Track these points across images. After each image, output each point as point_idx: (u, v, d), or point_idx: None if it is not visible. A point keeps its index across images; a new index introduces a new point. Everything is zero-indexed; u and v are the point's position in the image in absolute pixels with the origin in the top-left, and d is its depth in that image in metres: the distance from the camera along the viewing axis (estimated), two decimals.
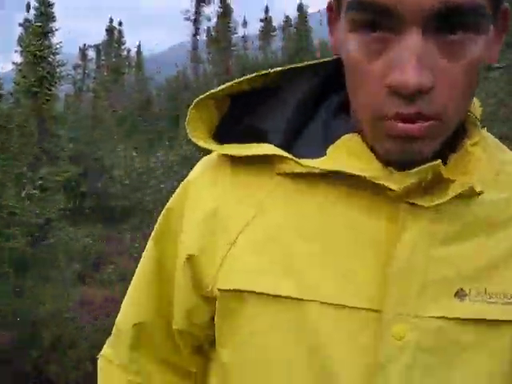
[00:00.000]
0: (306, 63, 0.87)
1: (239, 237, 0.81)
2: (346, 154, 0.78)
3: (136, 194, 9.13)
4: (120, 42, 53.33)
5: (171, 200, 0.94)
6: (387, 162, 0.76)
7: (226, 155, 0.86)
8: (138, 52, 60.14)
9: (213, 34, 41.88)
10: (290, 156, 0.79)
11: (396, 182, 0.74)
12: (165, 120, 38.16)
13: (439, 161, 0.73)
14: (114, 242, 17.47)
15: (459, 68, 0.69)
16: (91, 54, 56.53)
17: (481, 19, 0.67)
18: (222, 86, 0.85)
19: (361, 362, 0.76)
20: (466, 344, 0.77)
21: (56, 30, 26.46)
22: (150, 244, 0.97)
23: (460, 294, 0.77)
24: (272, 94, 0.87)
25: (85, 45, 57.02)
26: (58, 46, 26.41)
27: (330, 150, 0.79)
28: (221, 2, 40.85)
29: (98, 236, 18.38)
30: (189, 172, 0.94)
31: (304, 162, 0.78)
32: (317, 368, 0.76)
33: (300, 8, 52.12)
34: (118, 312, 1.05)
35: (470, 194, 0.77)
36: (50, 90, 24.98)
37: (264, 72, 0.85)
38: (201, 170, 0.92)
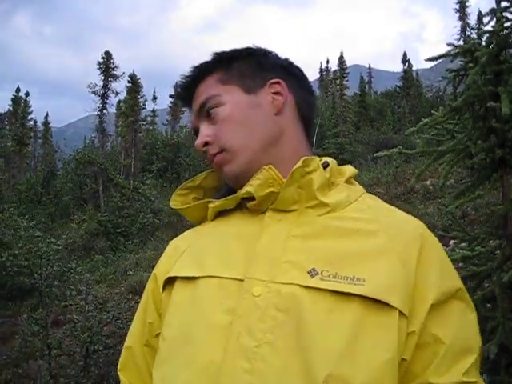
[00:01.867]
0: None
1: (182, 254, 1.25)
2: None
3: (32, 275, 8.79)
4: (26, 112, 52.29)
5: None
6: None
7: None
8: (46, 123, 59.16)
9: (122, 107, 42.05)
10: (209, 200, 1.30)
11: (249, 185, 1.19)
12: (69, 194, 37.27)
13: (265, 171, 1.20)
14: (7, 324, 16.50)
15: (216, 127, 1.27)
16: None
17: (216, 101, 1.27)
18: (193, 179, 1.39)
19: (226, 319, 1.07)
20: (316, 307, 1.04)
21: None
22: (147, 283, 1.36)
23: (312, 273, 1.07)
24: None
25: None
26: None
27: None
28: (130, 78, 41.34)
29: None
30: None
31: (213, 200, 1.29)
32: (202, 327, 1.09)
33: None
34: None
35: (319, 206, 1.18)
36: None
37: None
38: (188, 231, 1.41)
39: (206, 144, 1.25)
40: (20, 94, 53.39)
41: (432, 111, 4.30)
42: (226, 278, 1.12)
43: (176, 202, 1.35)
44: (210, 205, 1.27)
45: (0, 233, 9.86)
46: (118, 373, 1.32)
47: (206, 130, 1.27)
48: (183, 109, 58.10)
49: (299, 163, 1.17)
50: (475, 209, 13.94)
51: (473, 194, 4.03)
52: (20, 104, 52.44)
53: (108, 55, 39.48)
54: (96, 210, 31.47)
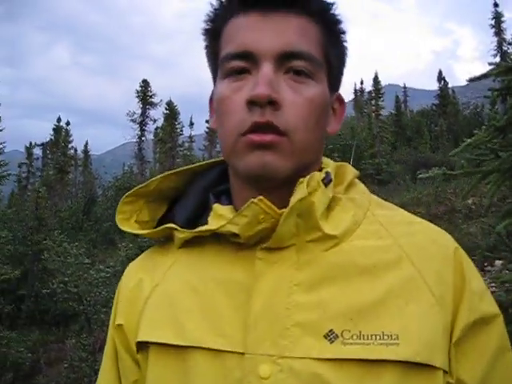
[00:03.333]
0: (207, 162, 1.13)
1: (147, 301, 1.00)
2: (215, 218, 0.97)
3: (81, 302, 8.96)
4: (67, 140, 53.48)
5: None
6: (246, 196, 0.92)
7: (157, 242, 1.11)
8: (85, 151, 60.31)
9: (159, 134, 42.68)
10: (173, 226, 1.01)
11: (233, 224, 0.91)
12: (110, 220, 37.76)
13: (261, 198, 0.89)
14: (53, 349, 16.76)
15: (302, 100, 0.91)
16: (38, 152, 56.33)
17: (313, 66, 0.93)
18: (145, 183, 1.09)
19: None
20: None
21: (0, 130, 26.41)
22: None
23: (330, 336, 0.84)
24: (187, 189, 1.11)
25: (31, 143, 56.83)
26: (0, 146, 26.31)
27: (209, 219, 0.98)
28: (167, 105, 42.01)
29: (34, 342, 17.63)
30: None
31: (182, 229, 1.00)
32: None
33: None
34: None
35: (324, 239, 0.91)
36: None
37: (178, 170, 1.10)
38: (139, 257, 1.14)
39: (271, 102, 0.87)
40: (61, 123, 54.71)
41: (475, 131, 4.29)
42: (220, 350, 0.88)
43: (123, 214, 1.07)
44: (178, 234, 1.00)
45: (50, 260, 10.07)
46: None
47: (278, 85, 0.89)
48: None
49: (303, 190, 0.89)
50: None
51: None
52: (61, 133, 53.65)
53: (146, 83, 40.29)
54: (136, 235, 31.71)
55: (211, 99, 1.06)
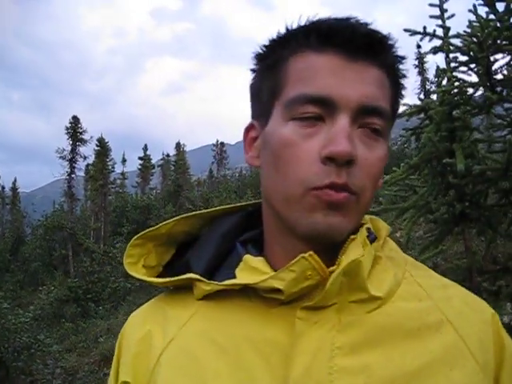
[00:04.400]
0: (227, 207, 1.03)
1: (160, 358, 0.87)
2: (246, 271, 0.87)
3: (0, 349, 8.52)
4: None
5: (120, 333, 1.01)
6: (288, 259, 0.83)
7: (165, 290, 0.99)
8: (14, 188, 58.61)
9: (90, 171, 42.02)
10: (197, 277, 0.89)
11: (278, 279, 0.81)
12: (38, 260, 36.63)
13: (311, 253, 0.81)
14: None
15: (374, 160, 0.83)
16: None
17: (385, 124, 0.85)
18: (159, 225, 0.99)
19: None
20: None
21: None
22: (109, 377, 1.00)
23: None
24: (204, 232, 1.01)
25: None
26: None
27: (236, 271, 0.88)
28: (98, 142, 41.50)
29: None
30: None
31: (208, 281, 0.88)
32: None
33: (178, 146, 53.95)
34: None
35: (369, 300, 0.84)
36: None
37: (195, 213, 1.01)
38: (143, 305, 1.01)
39: (350, 161, 0.80)
40: None
41: (393, 168, 4.39)
42: None
43: (131, 258, 1.00)
44: (203, 286, 0.90)
45: None
46: None
47: (353, 141, 0.81)
48: (152, 171, 58.49)
49: (358, 249, 0.84)
50: (445, 259, 14.07)
51: (436, 249, 4.09)
52: None
53: (76, 120, 39.68)
54: (66, 275, 30.93)
55: (247, 130, 0.97)
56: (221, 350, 0.85)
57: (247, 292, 0.87)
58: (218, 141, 65.55)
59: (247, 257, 0.90)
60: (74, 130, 38.72)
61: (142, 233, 0.99)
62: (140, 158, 57.13)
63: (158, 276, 0.99)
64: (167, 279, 0.94)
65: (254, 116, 0.95)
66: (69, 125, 39.26)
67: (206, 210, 1.01)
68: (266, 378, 0.80)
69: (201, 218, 1.01)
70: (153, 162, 59.78)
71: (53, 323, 23.66)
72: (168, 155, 61.43)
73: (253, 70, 0.94)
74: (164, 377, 0.86)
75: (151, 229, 0.99)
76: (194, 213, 1.01)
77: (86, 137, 39.40)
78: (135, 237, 0.99)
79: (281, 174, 0.85)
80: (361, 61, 0.83)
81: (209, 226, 1.02)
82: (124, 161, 56.26)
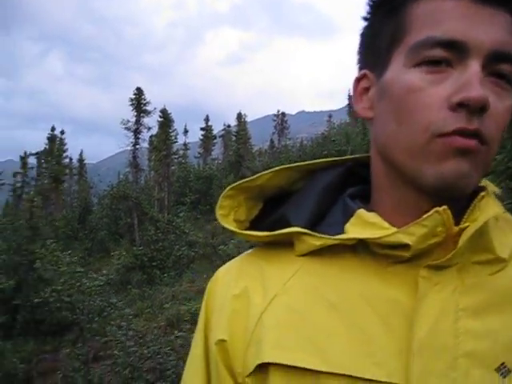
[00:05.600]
0: (326, 160, 0.98)
1: (263, 316, 0.84)
2: (360, 226, 0.83)
3: (74, 311, 8.90)
4: (61, 150, 53.47)
5: (207, 287, 0.98)
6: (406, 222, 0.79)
7: (257, 245, 0.95)
8: (80, 160, 60.29)
9: (154, 142, 42.67)
10: (306, 231, 0.85)
11: (407, 234, 0.77)
12: (105, 229, 37.75)
13: (445, 208, 0.76)
14: (47, 359, 16.64)
15: (502, 109, 0.78)
16: (32, 161, 56.33)
17: None
18: (254, 177, 0.95)
19: None
20: None
21: None
22: (194, 337, 0.96)
23: (502, 370, 0.74)
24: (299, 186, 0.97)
25: (25, 152, 56.80)
26: None
27: (347, 226, 0.85)
28: (161, 113, 42.00)
29: (29, 352, 17.51)
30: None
31: (319, 234, 0.84)
32: None
33: (239, 117, 54.00)
34: None
35: (494, 262, 0.80)
36: None
37: (293, 165, 0.96)
38: (234, 259, 0.98)
39: (483, 108, 0.75)
40: (55, 132, 54.69)
41: None
42: (374, 381, 0.75)
43: (223, 209, 0.95)
44: (313, 241, 0.85)
45: (42, 269, 9.99)
46: None
47: (488, 92, 0.76)
48: (214, 141, 58.96)
49: (495, 207, 0.81)
50: None
51: None
52: (55, 142, 53.65)
53: (139, 91, 40.27)
54: (131, 243, 31.75)
55: (358, 81, 0.91)
56: (332, 307, 0.81)
57: (357, 248, 0.83)
58: (278, 111, 65.29)
59: (361, 211, 0.85)
60: (138, 102, 39.34)
61: (236, 183, 0.95)
62: (202, 129, 57.67)
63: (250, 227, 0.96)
64: (266, 233, 0.89)
65: (366, 65, 0.90)
66: (133, 96, 39.93)
67: (305, 163, 0.97)
68: (385, 337, 0.77)
69: (298, 170, 0.97)
70: (214, 132, 60.25)
71: (120, 289, 24.42)
72: (229, 126, 61.65)
73: (365, 18, 0.90)
74: (270, 335, 0.82)
75: (246, 179, 0.95)
76: (292, 165, 0.96)
77: (149, 108, 40.04)
78: (228, 187, 0.95)
79: (403, 123, 0.80)
80: (491, 5, 0.78)
81: (304, 181, 0.97)
82: (186, 132, 56.94)
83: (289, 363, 0.78)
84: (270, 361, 0.80)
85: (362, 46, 0.92)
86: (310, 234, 0.85)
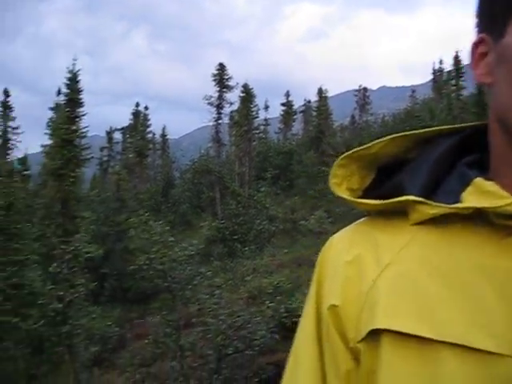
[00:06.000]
0: (443, 128, 0.96)
1: (376, 283, 0.84)
2: (477, 195, 0.81)
3: (166, 279, 9.17)
4: (145, 125, 54.93)
5: (319, 255, 0.98)
6: None
7: (369, 215, 0.94)
8: (163, 135, 61.67)
9: (235, 117, 42.97)
10: (421, 199, 0.82)
11: None
12: (187, 202, 38.58)
13: None
14: (135, 325, 17.28)
15: None
16: (118, 136, 58.25)
17: None
18: (367, 145, 0.93)
19: None
20: None
21: (83, 115, 27.28)
22: (306, 303, 0.96)
23: None
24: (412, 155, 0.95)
25: (111, 128, 58.76)
26: (84, 130, 27.20)
27: (463, 195, 0.82)
28: (243, 88, 42.15)
29: (118, 318, 18.25)
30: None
31: (434, 203, 0.82)
32: None
33: (320, 92, 53.45)
34: None
35: None
36: (74, 171, 25.56)
37: (409, 133, 0.93)
38: (346, 228, 0.98)
39: None
40: (139, 108, 56.18)
41: None
42: (486, 352, 0.73)
43: (336, 178, 0.94)
44: (428, 209, 0.84)
45: (136, 238, 10.31)
46: None
47: None
48: (294, 117, 58.76)
49: None
50: None
51: None
52: (140, 118, 55.14)
53: (222, 67, 40.58)
54: (213, 217, 32.31)
55: (476, 46, 0.88)
56: (445, 276, 0.80)
57: (473, 218, 0.80)
58: (360, 86, 64.14)
59: (479, 180, 0.82)
60: (221, 77, 39.65)
61: (350, 152, 0.93)
62: (282, 104, 57.54)
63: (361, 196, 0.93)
64: (380, 201, 0.87)
65: (483, 29, 0.85)
66: (215, 72, 40.29)
67: (422, 130, 0.94)
68: (500, 309, 0.75)
69: (414, 138, 0.93)
70: (295, 108, 59.98)
71: (202, 261, 24.98)
72: (309, 101, 61.21)
73: None
74: (384, 302, 0.81)
75: (361, 148, 0.92)
76: (408, 133, 0.93)
77: (231, 83, 40.30)
78: (341, 156, 0.92)
79: None
80: None
81: (418, 149, 0.94)
82: (266, 107, 57.04)
83: (401, 330, 0.78)
84: (383, 327, 0.79)
85: (479, 9, 0.87)
86: (424, 203, 0.83)
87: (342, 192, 0.92)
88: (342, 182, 0.93)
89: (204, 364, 8.22)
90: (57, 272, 9.77)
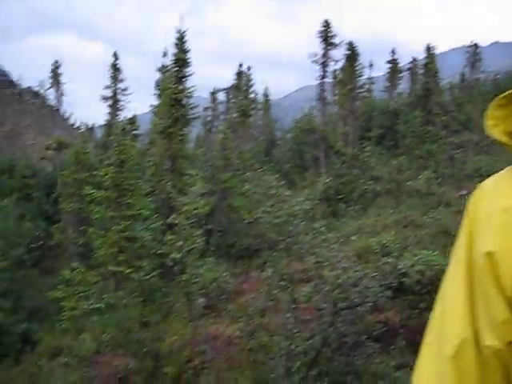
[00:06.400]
0: None
1: None
2: None
3: (281, 232, 9.32)
4: (248, 85, 55.22)
5: (469, 202, 0.96)
6: None
7: None
8: (265, 95, 61.78)
9: (339, 76, 42.19)
10: None
11: None
12: (290, 162, 38.66)
13: None
14: (241, 279, 17.72)
15: None
16: (221, 97, 59.05)
17: None
18: None
19: None
20: None
21: (190, 74, 27.75)
22: (455, 250, 0.96)
23: None
24: None
25: (214, 88, 59.56)
26: (191, 90, 27.72)
27: None
28: (348, 45, 41.21)
29: (224, 272, 18.76)
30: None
31: None
32: None
33: (428, 49, 51.30)
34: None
35: None
36: (182, 130, 26.22)
37: None
38: (497, 174, 0.94)
39: None
40: (242, 68, 56.48)
41: None
42: None
43: (493, 119, 0.92)
44: None
45: (251, 192, 10.51)
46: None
47: None
48: (400, 75, 56.89)
49: None
50: None
51: None
52: (242, 78, 55.46)
53: (327, 24, 39.78)
54: (316, 177, 32.24)
55: None
56: None
57: None
58: (471, 42, 60.88)
59: None
60: (326, 35, 38.93)
61: (509, 92, 0.88)
62: (388, 62, 55.77)
63: None
64: None
65: None
66: (320, 29, 39.58)
67: None
68: None
69: None
70: (401, 65, 57.99)
71: (305, 219, 25.09)
72: (415, 59, 58.96)
73: None
74: None
75: None
76: None
77: (336, 41, 39.52)
78: (499, 96, 0.89)
79: None
80: None
81: None
82: (371, 65, 55.45)
83: None
84: None
85: None
86: None
87: (498, 134, 0.89)
88: (499, 124, 0.90)
89: (318, 318, 8.30)
90: (174, 224, 10.15)
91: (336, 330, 8.12)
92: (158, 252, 21.81)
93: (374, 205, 27.40)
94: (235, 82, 55.63)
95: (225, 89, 58.45)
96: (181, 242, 9.86)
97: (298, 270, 9.77)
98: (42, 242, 31.06)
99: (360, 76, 43.07)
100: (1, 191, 35.49)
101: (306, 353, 8.35)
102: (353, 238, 19.52)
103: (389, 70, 55.55)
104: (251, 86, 56.16)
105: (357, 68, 41.99)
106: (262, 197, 10.00)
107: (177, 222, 10.03)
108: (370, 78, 54.09)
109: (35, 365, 13.32)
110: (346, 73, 40.57)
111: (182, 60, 27.72)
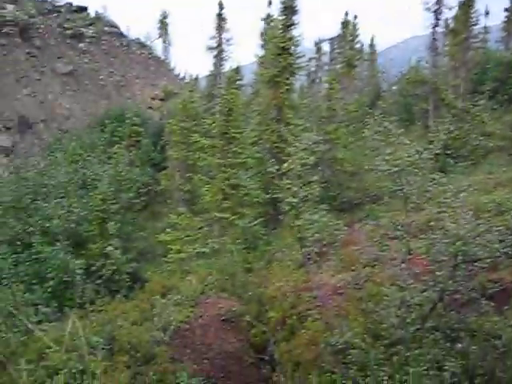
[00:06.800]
0: None
1: None
2: None
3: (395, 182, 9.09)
4: (354, 35, 53.74)
5: None
6: None
7: None
8: (371, 45, 59.96)
9: (451, 25, 39.98)
10: None
11: None
12: (395, 115, 37.54)
13: None
14: (348, 231, 17.61)
15: None
16: (325, 47, 57.99)
17: None
18: None
19: None
20: None
21: (298, 23, 27.30)
22: None
23: None
24: None
25: (319, 38, 58.46)
26: (298, 38, 27.30)
27: None
28: None
29: (337, 220, 18.72)
30: None
31: None
32: None
33: None
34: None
35: None
36: (289, 79, 26.02)
37: None
38: None
39: None
40: (348, 17, 54.90)
41: None
42: None
43: None
44: None
45: (369, 139, 10.27)
46: None
47: None
48: None
49: None
50: None
51: None
52: (348, 28, 53.98)
53: None
54: (424, 130, 31.13)
55: None
56: None
57: None
58: None
59: None
60: None
61: None
62: (506, 10, 52.18)
63: None
64: None
65: None
66: None
67: None
68: None
69: None
70: None
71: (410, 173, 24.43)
72: None
73: None
74: None
75: None
76: None
77: None
78: None
79: None
80: None
81: None
82: (487, 13, 52.19)
83: None
84: None
85: None
86: None
87: None
88: None
89: (435, 270, 8.12)
90: (288, 170, 10.13)
91: (454, 283, 7.90)
92: (269, 197, 22.04)
93: (485, 162, 26.21)
94: (341, 31, 54.31)
95: (330, 39, 57.22)
96: (295, 188, 9.80)
97: (413, 221, 9.55)
98: (149, 188, 32.30)
99: (474, 25, 40.57)
100: (112, 139, 37.06)
101: (422, 305, 8.21)
102: (463, 194, 18.82)
103: (506, 19, 51.98)
104: (357, 35, 54.61)
105: (471, 16, 39.60)
106: (379, 144, 9.69)
107: (292, 167, 9.97)
108: (485, 27, 51.02)
109: (146, 301, 13.96)
110: (459, 21, 38.26)
111: (290, 8, 27.29)
